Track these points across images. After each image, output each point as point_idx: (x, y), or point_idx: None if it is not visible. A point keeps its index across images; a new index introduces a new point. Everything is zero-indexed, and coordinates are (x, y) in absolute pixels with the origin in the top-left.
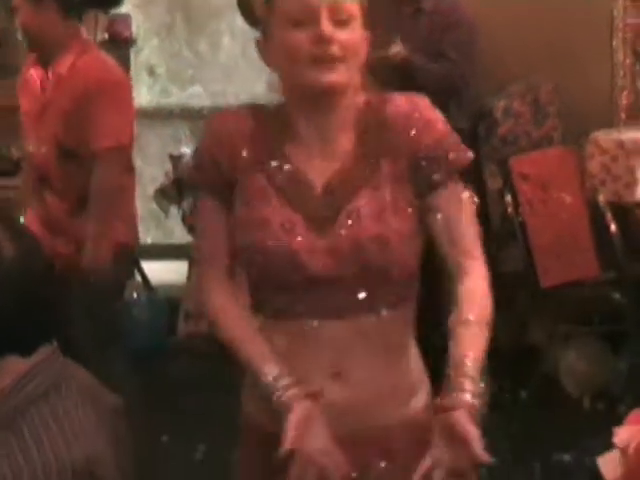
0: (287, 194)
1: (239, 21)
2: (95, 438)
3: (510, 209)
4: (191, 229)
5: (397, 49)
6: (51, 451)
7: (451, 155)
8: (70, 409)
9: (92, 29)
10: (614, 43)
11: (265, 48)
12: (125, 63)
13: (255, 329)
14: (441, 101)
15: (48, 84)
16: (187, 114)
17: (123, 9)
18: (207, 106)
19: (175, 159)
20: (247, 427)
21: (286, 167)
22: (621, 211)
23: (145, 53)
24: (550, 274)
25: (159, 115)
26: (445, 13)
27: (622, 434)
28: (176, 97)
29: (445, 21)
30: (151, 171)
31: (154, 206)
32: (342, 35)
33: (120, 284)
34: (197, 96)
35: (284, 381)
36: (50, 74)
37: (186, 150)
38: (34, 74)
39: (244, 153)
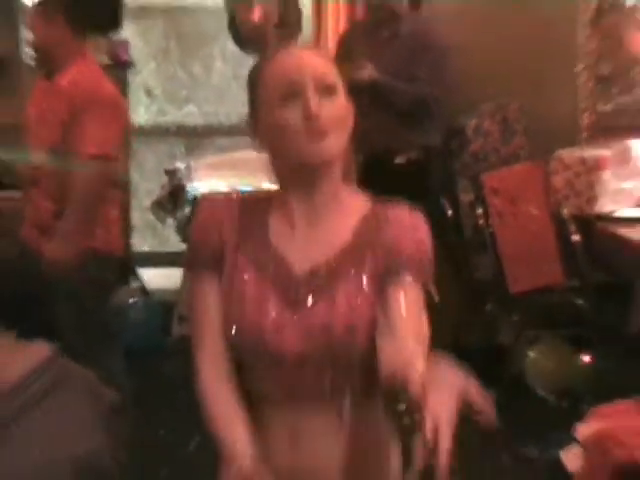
0: (266, 273)
1: (230, 45)
2: (94, 434)
3: (481, 221)
4: (185, 239)
5: (368, 70)
6: (53, 447)
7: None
8: (71, 406)
9: (93, 52)
10: (577, 68)
11: (255, 126)
12: (124, 85)
13: (234, 411)
14: (414, 120)
15: (49, 94)
16: (182, 132)
17: (122, 35)
18: (200, 124)
19: (170, 173)
20: None
21: (270, 250)
22: (583, 223)
23: (143, 75)
24: (518, 281)
25: (156, 133)
26: (420, 37)
27: (584, 430)
28: (172, 116)
29: (420, 45)
30: (148, 185)
31: (151, 217)
32: (329, 107)
33: (105, 287)
34: (191, 115)
35: (244, 447)
36: (53, 85)
37: (180, 165)
38: (40, 86)
39: (230, 237)
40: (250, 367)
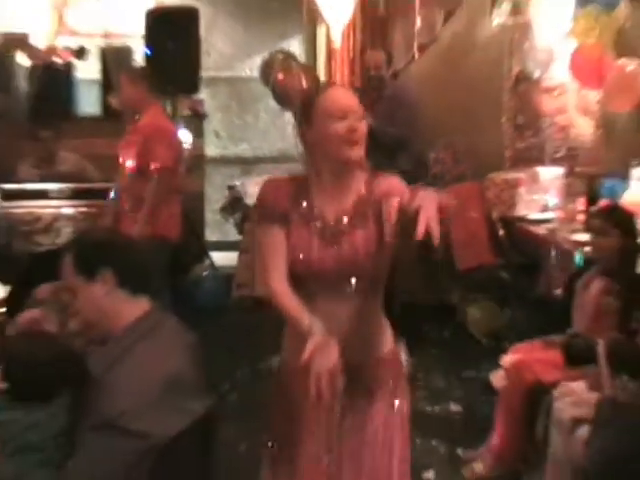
0: (312, 224)
1: (271, 103)
2: (180, 358)
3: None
4: (241, 232)
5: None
6: (153, 367)
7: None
8: (164, 342)
9: (178, 107)
10: (502, 118)
11: (307, 134)
12: (200, 129)
13: (296, 300)
14: (394, 153)
15: (132, 134)
16: (238, 161)
17: (199, 95)
18: (251, 156)
19: (231, 189)
20: (282, 366)
21: (314, 210)
22: (507, 223)
23: (213, 123)
24: (463, 261)
25: (221, 161)
26: (398, 98)
27: (506, 360)
28: (232, 150)
29: (398, 103)
30: (216, 196)
31: (218, 217)
32: (360, 127)
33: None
34: (245, 150)
35: (315, 324)
36: (134, 128)
37: (237, 183)
38: (127, 129)
39: (288, 203)
40: (302, 281)
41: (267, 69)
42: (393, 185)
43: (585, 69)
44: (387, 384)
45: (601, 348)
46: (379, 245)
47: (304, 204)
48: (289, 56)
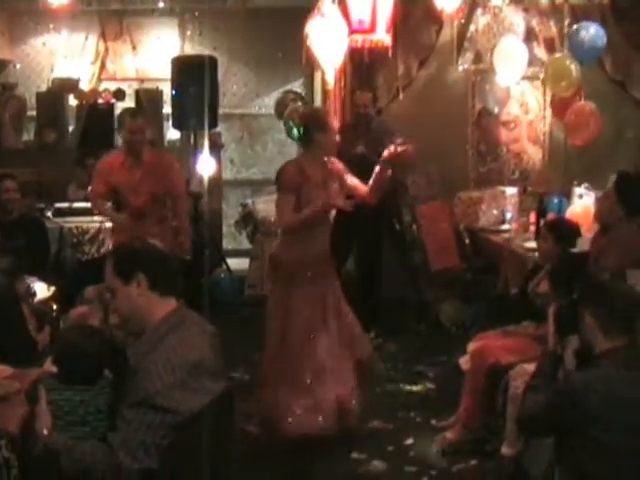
0: (312, 185)
1: (277, 135)
2: (203, 347)
3: (415, 231)
4: (252, 241)
5: (360, 148)
6: (179, 354)
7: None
8: (189, 333)
9: (201, 139)
10: (467, 146)
11: (311, 142)
12: (218, 158)
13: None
14: None
15: (139, 166)
16: (249, 183)
17: (217, 129)
18: (260, 179)
19: (243, 206)
20: (276, 267)
21: (311, 179)
22: (471, 233)
23: (228, 152)
24: (435, 264)
25: (235, 184)
26: (382, 130)
27: (471, 346)
28: (244, 174)
29: (382, 134)
30: (231, 212)
31: (233, 229)
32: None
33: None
34: (255, 174)
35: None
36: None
37: (249, 201)
38: (124, 163)
39: (299, 177)
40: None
41: (280, 106)
42: (339, 163)
43: (561, 106)
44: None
45: (551, 311)
46: (341, 193)
47: (307, 176)
48: (297, 96)
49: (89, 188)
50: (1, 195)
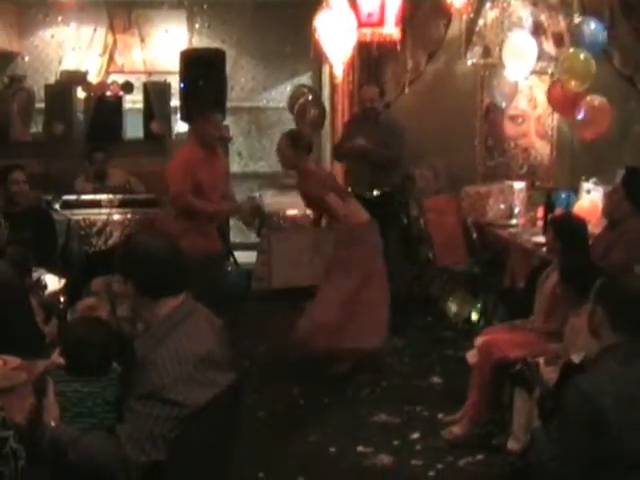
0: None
1: (284, 128)
2: (210, 340)
3: (422, 225)
4: (259, 235)
5: (361, 141)
6: (186, 347)
7: None
8: (196, 326)
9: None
10: (475, 141)
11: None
12: (226, 150)
13: None
14: (387, 170)
15: (216, 161)
16: (257, 176)
17: (226, 122)
18: (267, 172)
19: (251, 199)
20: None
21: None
22: (479, 227)
23: (236, 145)
24: (442, 259)
25: (243, 177)
26: (390, 124)
27: (478, 340)
28: (252, 167)
29: (390, 128)
30: None
31: (241, 223)
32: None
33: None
34: (262, 167)
35: None
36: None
37: (256, 194)
38: (206, 159)
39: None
40: None
41: (292, 99)
42: None
43: (561, 100)
44: None
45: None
46: None
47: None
48: (310, 89)
49: (173, 189)
50: (10, 187)
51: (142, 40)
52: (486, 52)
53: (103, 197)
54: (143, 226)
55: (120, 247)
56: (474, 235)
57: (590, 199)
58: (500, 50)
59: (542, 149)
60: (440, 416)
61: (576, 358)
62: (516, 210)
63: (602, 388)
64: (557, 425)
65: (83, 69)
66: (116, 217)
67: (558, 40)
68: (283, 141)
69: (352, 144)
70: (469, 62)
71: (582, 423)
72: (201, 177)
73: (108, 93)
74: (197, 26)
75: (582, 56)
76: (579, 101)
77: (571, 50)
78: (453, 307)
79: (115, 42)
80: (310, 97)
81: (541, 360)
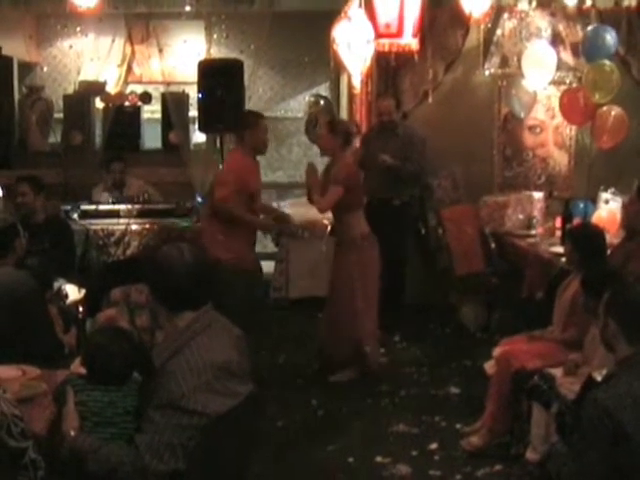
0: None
1: (302, 138)
2: (229, 350)
3: (440, 235)
4: (277, 244)
5: (384, 157)
6: (205, 356)
7: None
8: (216, 336)
9: (227, 142)
10: (493, 151)
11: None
12: None
13: None
14: (408, 182)
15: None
16: (275, 186)
17: None
18: (285, 182)
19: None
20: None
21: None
22: (497, 237)
23: None
24: (460, 268)
25: (262, 187)
26: (409, 136)
27: (496, 351)
28: (270, 177)
29: (409, 140)
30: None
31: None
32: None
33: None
34: (280, 177)
35: None
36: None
37: (274, 204)
38: (254, 166)
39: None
40: None
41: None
42: None
43: (572, 110)
44: None
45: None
46: None
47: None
48: (321, 97)
49: (219, 195)
50: (17, 198)
51: (160, 50)
52: (504, 62)
53: (121, 207)
54: (171, 236)
55: (146, 256)
56: (492, 245)
57: (608, 209)
58: (518, 60)
59: (560, 159)
60: (458, 426)
61: (598, 375)
62: (534, 220)
63: (621, 401)
64: (577, 439)
65: (101, 79)
66: (134, 227)
67: (576, 50)
68: (322, 127)
69: (378, 161)
70: (487, 72)
71: (602, 437)
72: (252, 185)
73: (126, 103)
74: (215, 36)
75: (607, 68)
76: (595, 111)
77: (597, 62)
78: (471, 317)
79: (133, 52)
80: (322, 104)
81: (558, 372)
